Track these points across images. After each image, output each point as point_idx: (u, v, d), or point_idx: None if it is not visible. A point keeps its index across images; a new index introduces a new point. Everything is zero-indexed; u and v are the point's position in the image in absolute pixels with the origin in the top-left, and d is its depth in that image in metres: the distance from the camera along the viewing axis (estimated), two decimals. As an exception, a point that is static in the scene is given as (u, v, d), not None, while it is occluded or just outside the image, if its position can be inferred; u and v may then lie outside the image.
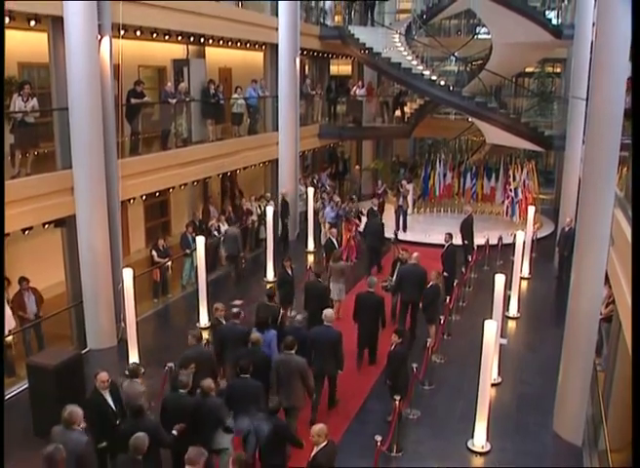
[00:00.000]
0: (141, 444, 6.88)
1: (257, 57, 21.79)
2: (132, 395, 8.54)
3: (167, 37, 16.44)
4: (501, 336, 11.95)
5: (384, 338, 11.59)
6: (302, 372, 9.16)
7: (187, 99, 17.14)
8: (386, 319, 12.40)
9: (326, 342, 10.16)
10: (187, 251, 16.45)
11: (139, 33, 14.89)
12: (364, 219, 19.87)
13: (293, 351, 9.22)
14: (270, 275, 17.02)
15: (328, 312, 10.59)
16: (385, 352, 10.45)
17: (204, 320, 14.17)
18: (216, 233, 17.83)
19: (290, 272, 13.77)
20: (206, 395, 7.61)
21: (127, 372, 9.02)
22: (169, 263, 16.15)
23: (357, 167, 27.52)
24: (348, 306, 12.98)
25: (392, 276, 14.53)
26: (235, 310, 10.76)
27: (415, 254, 13.70)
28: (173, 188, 16.87)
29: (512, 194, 22.54)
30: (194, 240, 15.20)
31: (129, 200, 14.83)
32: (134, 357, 12.06)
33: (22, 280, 12.60)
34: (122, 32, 13.09)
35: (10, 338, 11.65)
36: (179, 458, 7.07)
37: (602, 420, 9.34)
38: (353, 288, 15.66)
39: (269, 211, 17.49)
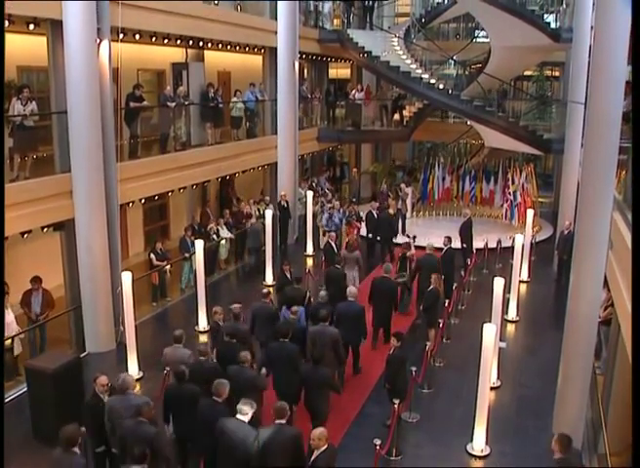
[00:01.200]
0: (223, 388, 7.89)
1: (256, 60, 21.82)
2: (176, 359, 9.04)
3: (166, 41, 16.49)
4: (501, 340, 11.99)
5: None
6: (335, 342, 10.23)
7: (186, 103, 17.18)
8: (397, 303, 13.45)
9: (351, 315, 11.28)
10: (186, 254, 16.44)
11: (138, 37, 14.91)
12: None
13: (327, 323, 10.46)
14: (269, 278, 16.99)
15: (352, 289, 11.88)
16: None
17: (203, 323, 14.16)
18: (214, 237, 17.82)
19: (289, 276, 13.77)
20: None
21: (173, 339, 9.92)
22: (167, 267, 16.14)
23: (355, 170, 27.52)
24: (362, 292, 13.49)
25: (404, 271, 15.20)
26: (265, 291, 12.11)
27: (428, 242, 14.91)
28: (172, 192, 16.86)
29: (511, 197, 22.55)
30: (193, 244, 15.20)
31: (128, 203, 14.83)
32: (132, 360, 12.06)
33: (34, 280, 12.66)
34: (121, 36, 13.12)
35: (9, 341, 11.63)
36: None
37: (601, 423, 9.34)
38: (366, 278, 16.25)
39: (268, 214, 17.49)
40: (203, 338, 13.47)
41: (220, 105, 18.46)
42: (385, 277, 13.15)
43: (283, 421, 7.32)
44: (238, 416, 7.38)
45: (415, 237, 17.40)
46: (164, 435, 8.18)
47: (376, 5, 27.33)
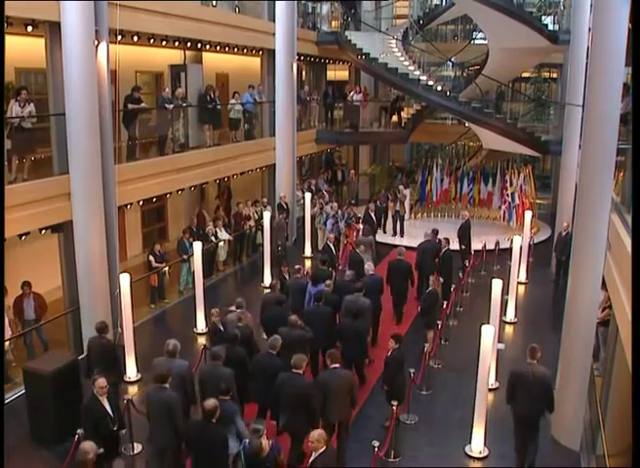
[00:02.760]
0: (277, 342, 9.44)
1: (254, 62, 21.82)
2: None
3: (164, 43, 16.45)
4: (499, 341, 11.99)
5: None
6: (367, 310, 11.94)
7: (184, 105, 17.18)
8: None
9: (375, 287, 12.92)
10: (184, 256, 16.44)
11: (136, 39, 14.89)
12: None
13: (361, 293, 12.08)
14: (268, 281, 16.96)
15: (369, 264, 13.88)
16: (383, 356, 10.45)
17: (201, 325, 14.17)
18: (213, 239, 17.82)
19: (287, 277, 13.79)
20: (294, 326, 10.32)
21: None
22: (166, 269, 16.15)
23: (352, 171, 27.54)
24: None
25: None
26: (297, 266, 13.54)
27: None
28: (170, 194, 16.86)
29: (509, 199, 22.53)
30: (191, 246, 15.21)
31: (126, 205, 14.82)
32: (130, 362, 12.05)
33: (25, 284, 12.61)
34: (119, 38, 13.10)
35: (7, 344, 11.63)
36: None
37: (600, 425, 9.35)
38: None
39: (266, 216, 17.50)
40: (201, 340, 13.45)
41: (219, 107, 18.46)
42: (400, 259, 14.50)
43: (337, 365, 8.98)
44: (294, 370, 8.71)
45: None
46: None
47: (361, 5, 27.29)
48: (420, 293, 14.67)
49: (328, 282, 12.64)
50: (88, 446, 7.09)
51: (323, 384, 8.90)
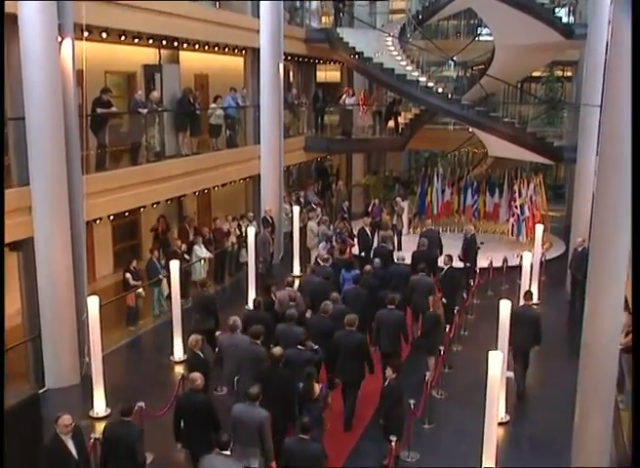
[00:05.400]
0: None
1: (236, 62, 21.81)
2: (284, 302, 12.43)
3: (137, 40, 16.45)
4: (508, 369, 11.92)
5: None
6: (430, 290, 14.12)
7: (160, 109, 17.11)
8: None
9: (401, 274, 14.78)
10: (160, 276, 16.39)
11: (105, 35, 14.83)
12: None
13: (424, 273, 14.48)
14: (249, 304, 16.77)
15: (400, 254, 16.68)
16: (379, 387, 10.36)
17: (179, 353, 14.03)
18: (186, 257, 17.72)
19: (274, 298, 13.64)
20: (325, 314, 11.99)
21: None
22: (140, 289, 16.11)
23: (341, 182, 27.49)
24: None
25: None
26: (324, 255, 16.07)
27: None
28: (144, 207, 16.75)
29: (518, 211, 22.54)
30: (163, 267, 15.06)
31: (95, 220, 14.76)
32: (99, 396, 11.84)
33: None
34: (85, 34, 12.99)
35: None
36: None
37: (629, 463, 9.16)
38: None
39: (250, 232, 17.40)
40: (179, 370, 13.30)
41: (198, 112, 18.42)
42: (423, 250, 16.64)
43: (353, 328, 11.15)
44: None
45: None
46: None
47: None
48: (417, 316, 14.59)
49: (368, 267, 14.74)
50: None
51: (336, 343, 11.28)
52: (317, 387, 9.60)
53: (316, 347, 10.85)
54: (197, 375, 9.39)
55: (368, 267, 14.73)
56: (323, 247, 18.89)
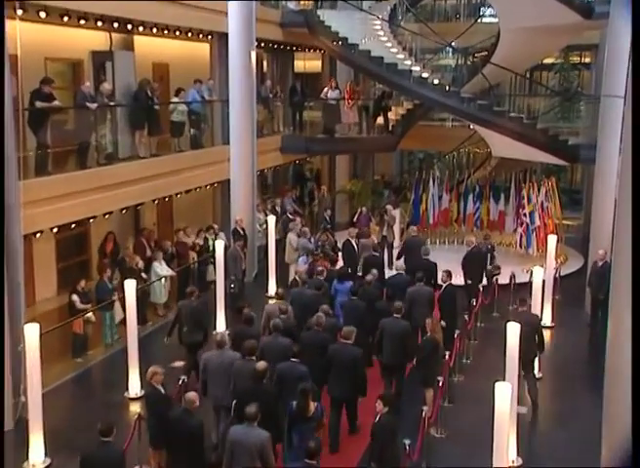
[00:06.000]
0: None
1: (201, 50, 21.82)
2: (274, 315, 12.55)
3: (83, 22, 16.30)
4: (519, 404, 11.91)
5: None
6: (431, 300, 14.89)
7: (112, 104, 17.02)
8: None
9: (400, 284, 15.40)
10: (112, 299, 16.24)
11: (44, 15, 14.67)
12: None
13: (422, 283, 15.03)
14: (221, 327, 16.78)
15: (399, 263, 17.60)
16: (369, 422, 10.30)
17: (135, 388, 13.84)
18: (144, 275, 17.59)
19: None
20: (319, 326, 12.35)
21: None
22: (90, 314, 15.94)
23: (324, 187, 27.46)
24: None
25: None
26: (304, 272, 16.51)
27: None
28: (94, 218, 16.61)
29: (527, 220, 22.55)
30: (116, 287, 15.10)
31: (34, 233, 14.57)
32: (36, 443, 11.53)
33: None
34: (19, 12, 12.81)
35: None
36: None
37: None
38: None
39: (219, 246, 17.35)
40: (135, 408, 13.11)
41: (157, 107, 18.37)
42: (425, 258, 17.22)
43: (350, 341, 11.69)
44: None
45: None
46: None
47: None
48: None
49: (369, 276, 15.61)
50: None
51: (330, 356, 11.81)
52: (312, 405, 9.95)
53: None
54: (194, 396, 9.78)
55: (369, 277, 15.50)
56: (303, 261, 18.90)
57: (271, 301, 16.10)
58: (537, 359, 13.51)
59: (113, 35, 18.95)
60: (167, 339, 14.23)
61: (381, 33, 24.41)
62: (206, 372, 11.28)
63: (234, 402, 10.56)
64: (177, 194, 19.74)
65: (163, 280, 18.03)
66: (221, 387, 11.09)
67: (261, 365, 10.42)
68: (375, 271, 15.99)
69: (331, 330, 12.73)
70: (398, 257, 19.28)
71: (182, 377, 12.05)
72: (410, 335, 13.21)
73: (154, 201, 19.49)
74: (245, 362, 10.98)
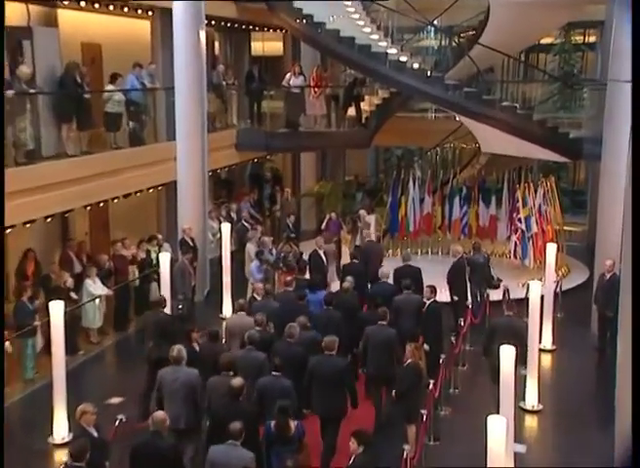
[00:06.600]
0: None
1: (140, 28, 21.81)
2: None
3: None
4: (516, 441, 11.96)
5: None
6: (420, 308, 15.34)
7: (32, 91, 16.83)
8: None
9: (386, 293, 15.59)
10: (34, 324, 15.95)
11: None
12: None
13: (410, 291, 15.62)
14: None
15: (385, 269, 17.26)
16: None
17: (62, 431, 13.58)
18: (74, 295, 17.34)
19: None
20: (291, 338, 12.78)
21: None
22: (7, 343, 15.51)
23: (288, 190, 27.39)
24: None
25: None
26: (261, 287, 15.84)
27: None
28: (12, 227, 16.33)
29: (522, 226, 22.64)
30: (36, 311, 15.07)
31: None
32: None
33: None
34: None
35: None
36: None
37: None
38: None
39: (164, 259, 17.28)
40: (61, 456, 12.75)
41: (88, 96, 18.24)
42: (408, 264, 17.84)
43: (333, 353, 11.94)
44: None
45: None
46: None
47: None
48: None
49: (346, 283, 15.91)
50: None
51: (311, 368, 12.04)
52: (292, 425, 10.15)
53: None
54: (163, 415, 10.01)
55: (347, 284, 15.85)
56: (256, 269, 18.86)
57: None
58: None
59: (31, 8, 18.70)
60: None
61: (352, 10, 24.46)
62: (161, 391, 11.42)
63: (208, 422, 11.10)
64: (113, 199, 19.55)
65: (97, 300, 17.81)
66: (178, 407, 11.16)
67: (237, 381, 10.64)
68: (350, 278, 16.13)
69: (309, 345, 12.84)
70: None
71: (120, 417, 11.81)
72: (397, 344, 13.47)
73: (86, 207, 19.23)
74: (221, 378, 11.24)
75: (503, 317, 14.27)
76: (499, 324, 14.27)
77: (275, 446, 10.21)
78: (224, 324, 14.76)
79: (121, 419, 11.82)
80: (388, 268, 17.57)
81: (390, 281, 16.88)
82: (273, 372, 11.50)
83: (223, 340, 14.21)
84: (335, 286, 18.68)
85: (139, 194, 20.54)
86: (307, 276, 18.63)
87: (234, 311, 15.26)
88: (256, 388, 11.28)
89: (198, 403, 11.39)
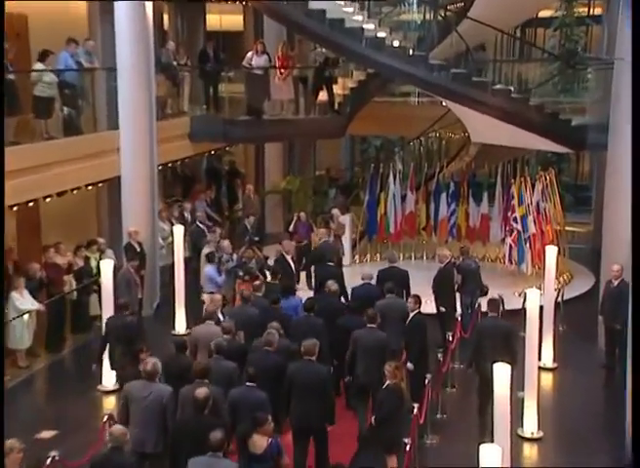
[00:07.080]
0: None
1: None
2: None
3: None
4: None
5: None
6: (405, 315, 15.38)
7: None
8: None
9: (369, 296, 16.13)
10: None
11: None
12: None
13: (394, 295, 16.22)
14: (110, 380, 16.44)
15: (366, 272, 17.96)
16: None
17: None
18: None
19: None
20: (270, 347, 13.16)
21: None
22: None
23: (249, 187, 27.30)
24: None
25: None
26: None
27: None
28: None
29: (518, 226, 22.73)
30: None
31: None
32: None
33: None
34: None
35: None
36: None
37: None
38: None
39: (106, 267, 17.04)
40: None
41: (12, 77, 18.08)
42: (393, 266, 18.49)
43: (313, 358, 12.30)
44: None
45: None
46: None
47: None
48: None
49: (330, 282, 16.42)
50: None
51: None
52: (263, 440, 10.11)
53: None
54: (121, 429, 10.20)
55: (333, 286, 16.32)
56: (215, 273, 18.76)
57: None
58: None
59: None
60: (94, 367, 15.43)
61: (323, -22, 24.34)
62: (126, 408, 11.55)
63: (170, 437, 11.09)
64: (45, 197, 19.32)
65: (26, 316, 17.63)
66: (145, 429, 11.24)
67: (202, 392, 10.80)
68: (330, 282, 16.46)
69: (283, 352, 13.25)
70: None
71: (52, 454, 11.41)
72: (389, 349, 13.88)
73: (12, 207, 18.88)
74: (195, 386, 11.37)
75: (488, 318, 14.47)
76: (483, 326, 14.54)
77: (248, 465, 10.36)
78: (191, 333, 14.94)
79: (53, 457, 11.34)
80: (371, 270, 18.01)
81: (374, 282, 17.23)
82: (247, 383, 11.78)
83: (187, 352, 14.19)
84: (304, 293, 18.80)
85: (75, 192, 20.29)
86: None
87: (200, 321, 15.21)
88: (228, 400, 11.53)
89: (168, 425, 11.41)
